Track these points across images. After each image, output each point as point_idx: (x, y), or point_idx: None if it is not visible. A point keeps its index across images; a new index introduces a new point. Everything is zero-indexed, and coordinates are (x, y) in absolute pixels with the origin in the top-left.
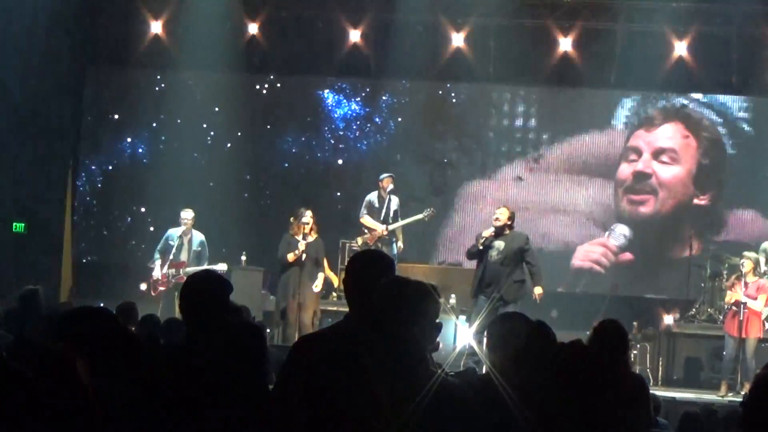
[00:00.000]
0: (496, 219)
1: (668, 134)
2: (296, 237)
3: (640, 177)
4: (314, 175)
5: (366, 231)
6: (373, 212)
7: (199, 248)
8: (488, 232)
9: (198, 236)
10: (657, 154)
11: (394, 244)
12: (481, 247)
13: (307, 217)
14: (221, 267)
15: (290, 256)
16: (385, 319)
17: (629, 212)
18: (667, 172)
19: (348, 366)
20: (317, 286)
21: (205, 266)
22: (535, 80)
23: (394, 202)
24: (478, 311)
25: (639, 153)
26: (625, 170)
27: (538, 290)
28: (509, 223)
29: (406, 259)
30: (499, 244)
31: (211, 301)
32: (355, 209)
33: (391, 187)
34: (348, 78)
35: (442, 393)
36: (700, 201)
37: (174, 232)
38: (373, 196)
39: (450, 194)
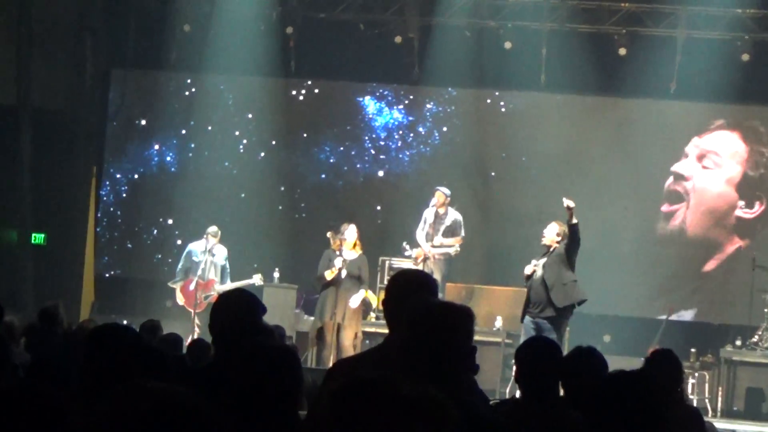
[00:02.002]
0: (543, 237)
1: (720, 139)
2: (336, 252)
3: (677, 178)
4: (353, 187)
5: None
6: (425, 228)
7: (223, 263)
8: (530, 268)
9: (222, 251)
10: (702, 157)
11: (443, 265)
12: (526, 283)
13: (350, 231)
14: (256, 280)
15: (327, 274)
16: (415, 344)
17: (663, 222)
18: (705, 176)
19: (381, 395)
20: (355, 301)
21: (238, 282)
22: (590, 89)
23: (449, 218)
24: (525, 333)
25: (685, 155)
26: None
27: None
28: (559, 239)
29: (451, 278)
30: (542, 262)
31: (241, 322)
32: (396, 224)
33: (436, 201)
34: (390, 84)
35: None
36: (747, 214)
37: (196, 248)
38: (428, 211)
39: (497, 210)
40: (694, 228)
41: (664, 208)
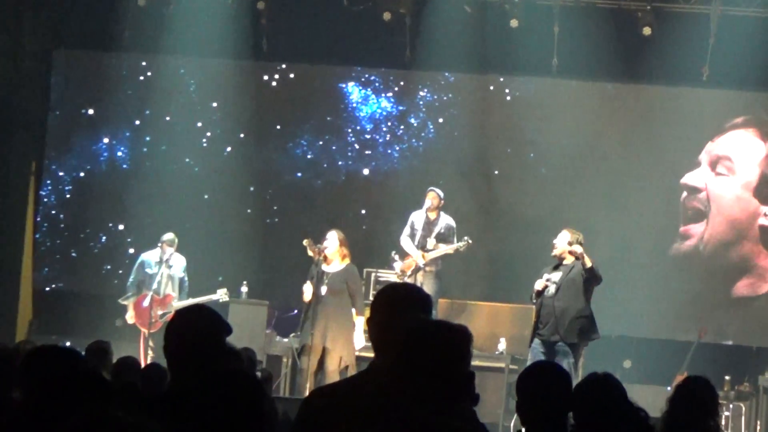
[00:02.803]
0: (553, 247)
1: (732, 141)
2: (319, 264)
3: (691, 192)
4: (334, 187)
5: (408, 257)
6: (413, 234)
7: (181, 275)
8: (541, 283)
9: (180, 261)
10: (714, 164)
11: (436, 278)
12: (534, 300)
13: (331, 239)
14: (220, 295)
15: (305, 291)
16: (405, 370)
17: (681, 237)
18: (720, 185)
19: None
20: (359, 340)
21: (199, 298)
22: (609, 75)
23: (442, 223)
24: (532, 358)
25: (698, 165)
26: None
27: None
28: (559, 244)
29: (445, 293)
30: (557, 276)
31: (202, 344)
32: (383, 230)
33: (429, 203)
34: (377, 68)
35: None
36: None
37: (150, 258)
38: (416, 215)
39: (501, 214)
40: (715, 243)
41: (681, 225)
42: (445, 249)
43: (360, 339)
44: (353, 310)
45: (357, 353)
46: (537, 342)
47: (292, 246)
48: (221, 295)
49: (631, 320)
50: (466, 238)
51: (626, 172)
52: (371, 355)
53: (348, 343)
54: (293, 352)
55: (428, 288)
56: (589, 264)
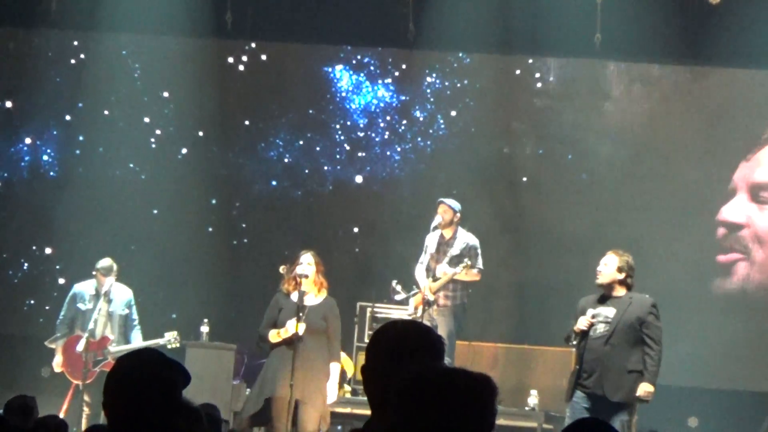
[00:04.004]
0: (598, 273)
1: None
2: (290, 296)
3: (730, 229)
4: (318, 199)
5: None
6: (424, 260)
7: (125, 311)
8: (585, 322)
9: (123, 294)
10: (755, 191)
11: (451, 314)
12: (574, 342)
13: (306, 264)
14: (168, 339)
15: (273, 335)
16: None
17: (719, 278)
18: (765, 218)
19: None
20: (332, 393)
21: (142, 342)
22: (665, 55)
23: (460, 243)
24: (573, 415)
25: (733, 193)
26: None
27: (645, 387)
28: (622, 277)
29: (463, 334)
30: (608, 311)
31: (151, 400)
32: (380, 253)
33: (439, 219)
34: (373, 48)
35: None
36: None
37: (84, 290)
38: (430, 236)
39: (530, 233)
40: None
41: (720, 258)
42: (446, 277)
43: (333, 391)
44: (329, 354)
45: (334, 409)
46: (579, 395)
47: (265, 274)
48: (169, 339)
49: (693, 367)
50: (465, 261)
51: (688, 176)
52: (350, 411)
53: (323, 396)
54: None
55: (442, 328)
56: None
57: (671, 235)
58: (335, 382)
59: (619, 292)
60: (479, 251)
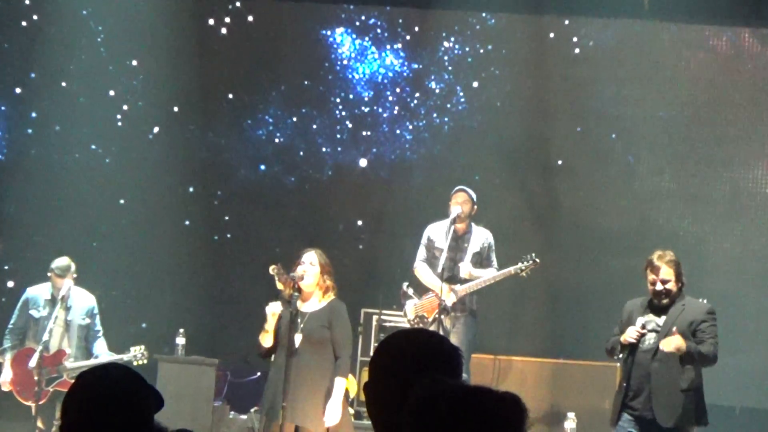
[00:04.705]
0: (652, 282)
1: None
2: (288, 302)
3: None
4: (316, 187)
5: (429, 293)
6: (434, 257)
7: (86, 321)
8: (634, 332)
9: (83, 300)
10: None
11: (469, 323)
12: (620, 356)
13: (309, 264)
14: (135, 354)
15: (262, 336)
16: None
17: None
18: None
19: None
20: (333, 415)
21: (106, 357)
22: (721, 15)
23: (478, 239)
24: None
25: None
26: None
27: (679, 342)
28: (673, 284)
29: (486, 346)
30: (659, 320)
31: (117, 423)
32: (388, 251)
33: (459, 210)
34: (380, 7)
35: None
36: None
37: (37, 294)
38: (435, 228)
39: (566, 226)
40: None
41: None
42: (490, 275)
43: (335, 411)
44: (335, 367)
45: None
46: (626, 418)
47: (252, 275)
48: (135, 355)
49: (763, 385)
50: (531, 255)
51: (755, 162)
52: None
53: (328, 419)
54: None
55: (457, 338)
56: (694, 361)
57: (733, 231)
58: (339, 402)
59: (666, 298)
60: (494, 248)
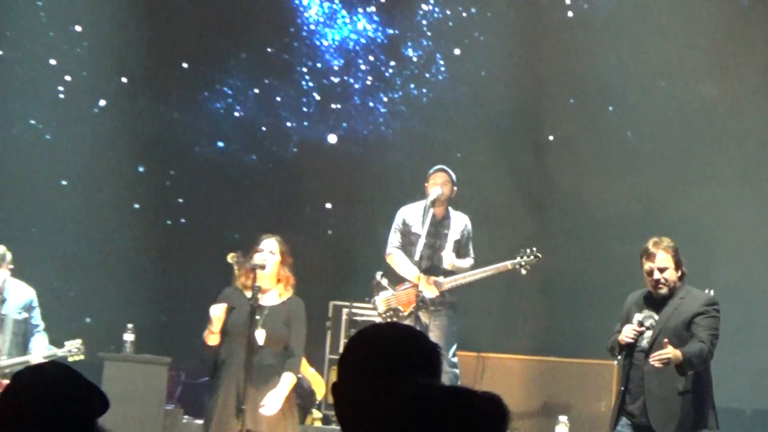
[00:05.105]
0: (649, 272)
1: None
2: (245, 293)
3: None
4: (280, 166)
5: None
6: (411, 243)
7: (22, 315)
8: (630, 331)
9: (19, 293)
10: None
11: (450, 316)
12: (619, 356)
13: (268, 252)
14: (69, 350)
15: (210, 339)
16: None
17: None
18: None
19: None
20: (272, 404)
21: (46, 352)
22: None
23: (458, 224)
24: None
25: None
26: None
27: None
28: (680, 274)
29: (469, 343)
30: (656, 316)
31: (59, 429)
32: (361, 238)
33: (439, 192)
34: None
35: None
36: None
37: None
38: (410, 211)
39: (559, 211)
40: None
41: None
42: (482, 270)
43: (276, 401)
44: (285, 366)
45: None
46: (624, 422)
47: (209, 265)
48: (70, 350)
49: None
50: (532, 249)
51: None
52: None
53: (291, 426)
54: None
55: (438, 334)
56: (689, 371)
57: (746, 215)
58: (283, 394)
59: (665, 288)
60: (472, 236)
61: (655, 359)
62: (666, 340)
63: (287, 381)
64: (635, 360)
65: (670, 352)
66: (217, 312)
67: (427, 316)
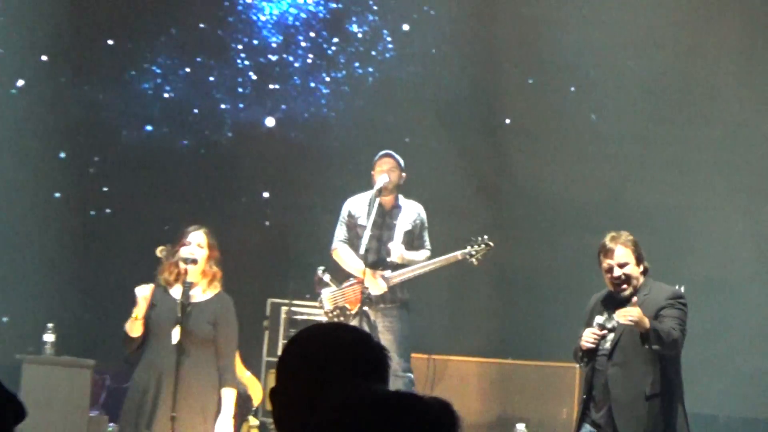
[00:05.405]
0: (608, 269)
1: None
2: (170, 290)
3: None
4: (213, 151)
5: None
6: (357, 236)
7: None
8: (590, 336)
9: None
10: None
11: (400, 316)
12: (583, 363)
13: (196, 246)
14: None
15: (133, 328)
16: None
17: None
18: None
19: None
20: (223, 425)
21: None
22: None
23: (409, 214)
24: None
25: None
26: None
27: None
28: (642, 270)
29: (419, 344)
30: (615, 317)
31: None
32: (301, 229)
33: (386, 180)
34: None
35: None
36: None
37: None
38: (357, 202)
39: (517, 201)
40: None
41: None
42: (430, 261)
43: (226, 429)
44: (219, 376)
45: None
46: (588, 430)
47: (136, 259)
48: None
49: (756, 390)
50: (483, 238)
51: (747, 120)
52: None
53: None
54: None
55: (392, 335)
56: (655, 345)
57: (720, 204)
58: (229, 416)
59: (628, 288)
60: (427, 225)
61: (622, 314)
62: (635, 299)
63: (230, 400)
64: (598, 365)
65: (638, 312)
66: (144, 291)
67: (376, 315)
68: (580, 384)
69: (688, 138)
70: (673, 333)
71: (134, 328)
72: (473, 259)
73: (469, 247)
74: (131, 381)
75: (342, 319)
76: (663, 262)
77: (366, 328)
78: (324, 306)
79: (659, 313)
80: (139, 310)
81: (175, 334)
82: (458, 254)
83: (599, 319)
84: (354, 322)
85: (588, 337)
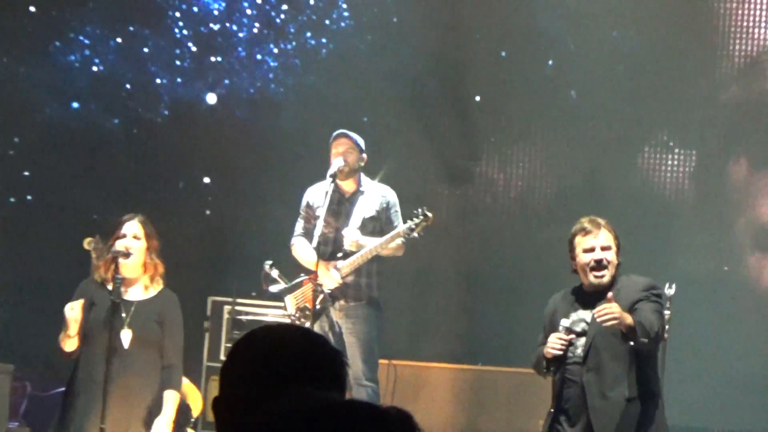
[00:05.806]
0: (589, 249)
1: None
2: (106, 287)
3: None
4: (147, 131)
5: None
6: (315, 228)
7: None
8: (556, 341)
9: None
10: None
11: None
12: (548, 371)
13: (131, 238)
14: None
15: (67, 344)
16: None
17: None
18: None
19: None
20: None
21: None
22: None
23: (372, 199)
24: None
25: None
26: None
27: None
28: (614, 254)
29: (381, 348)
30: (587, 317)
31: None
32: (247, 218)
33: (341, 163)
34: None
35: None
36: None
37: None
38: (315, 191)
39: (486, 189)
40: None
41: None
42: (372, 244)
43: (163, 426)
44: (162, 379)
45: None
46: None
47: (61, 252)
48: None
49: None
50: (422, 209)
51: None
52: None
53: None
54: None
55: (351, 339)
56: (643, 338)
57: (715, 194)
58: (170, 420)
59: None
60: (399, 210)
61: (600, 315)
62: (610, 294)
63: (172, 402)
64: (569, 375)
65: (617, 308)
66: (74, 313)
67: (339, 315)
68: (552, 400)
69: (676, 117)
70: (654, 325)
71: (68, 343)
72: (414, 233)
73: (409, 221)
74: (68, 389)
75: (303, 320)
76: (646, 255)
77: (326, 329)
78: (288, 310)
79: (634, 307)
80: (72, 329)
81: (126, 338)
82: (399, 230)
83: (565, 322)
84: (313, 324)
85: (554, 344)
